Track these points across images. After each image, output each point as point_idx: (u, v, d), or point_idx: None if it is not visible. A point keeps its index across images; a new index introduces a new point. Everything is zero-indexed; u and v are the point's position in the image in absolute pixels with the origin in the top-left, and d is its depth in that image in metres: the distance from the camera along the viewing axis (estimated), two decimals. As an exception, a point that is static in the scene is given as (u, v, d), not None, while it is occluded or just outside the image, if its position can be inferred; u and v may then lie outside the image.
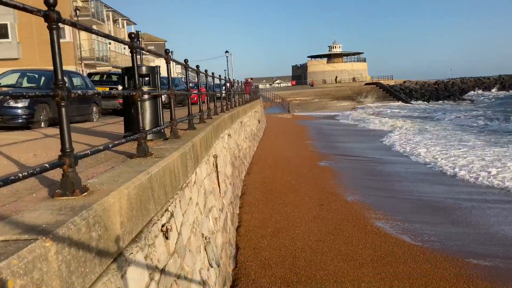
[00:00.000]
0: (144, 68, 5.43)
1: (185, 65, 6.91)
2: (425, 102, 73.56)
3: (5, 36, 25.38)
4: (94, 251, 2.25)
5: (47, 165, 2.30)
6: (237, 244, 8.33)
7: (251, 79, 28.56)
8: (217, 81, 15.85)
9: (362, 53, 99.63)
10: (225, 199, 8.34)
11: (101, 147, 3.01)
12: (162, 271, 3.25)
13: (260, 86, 77.65)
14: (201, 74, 9.63)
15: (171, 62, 5.98)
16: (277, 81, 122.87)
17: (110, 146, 3.17)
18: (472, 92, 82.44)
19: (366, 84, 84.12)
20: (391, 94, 78.52)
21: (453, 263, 8.35)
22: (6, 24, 24.88)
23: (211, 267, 5.12)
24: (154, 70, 5.51)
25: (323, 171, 17.28)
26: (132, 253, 2.75)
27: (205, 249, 5.08)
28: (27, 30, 25.58)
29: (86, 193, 2.62)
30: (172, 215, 3.83)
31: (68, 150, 2.54)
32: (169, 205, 3.84)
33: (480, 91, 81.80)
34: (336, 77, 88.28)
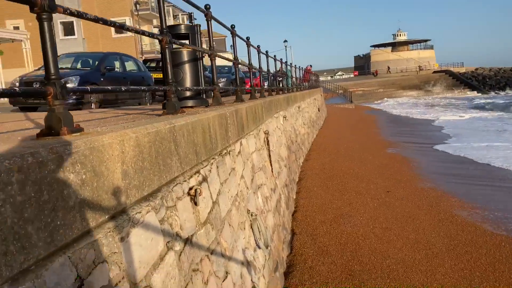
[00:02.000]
0: (182, 27, 4.87)
1: (232, 30, 6.30)
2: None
3: (72, 33, 26.63)
4: (73, 200, 1.66)
5: (17, 89, 1.72)
6: (292, 230, 7.63)
7: (311, 66, 27.53)
8: (273, 67, 15.24)
9: (429, 40, 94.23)
10: (279, 181, 7.66)
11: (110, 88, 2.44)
12: (187, 242, 2.64)
13: (321, 78, 75.77)
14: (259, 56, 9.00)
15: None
16: (339, 73, 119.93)
17: (123, 89, 2.60)
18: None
19: (434, 72, 79.46)
20: (462, 82, 73.51)
21: None
22: (72, 22, 26.05)
23: (259, 248, 4.47)
24: (194, 30, 4.94)
25: (389, 158, 16.08)
26: (140, 213, 2.16)
27: (251, 227, 4.44)
28: (90, 27, 26.59)
29: (78, 133, 2.05)
30: (204, 179, 3.22)
31: (53, 77, 1.97)
32: (201, 168, 3.23)
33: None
34: (388, 67, 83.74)
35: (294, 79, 19.54)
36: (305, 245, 6.92)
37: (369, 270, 6.22)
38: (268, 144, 7.06)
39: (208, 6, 4.87)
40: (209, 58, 5.03)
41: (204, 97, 5.03)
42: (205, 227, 3.02)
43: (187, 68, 4.81)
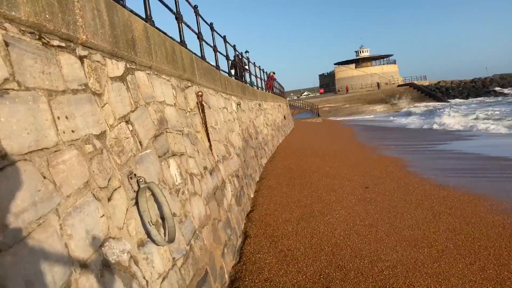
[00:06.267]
0: None
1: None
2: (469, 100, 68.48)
3: None
4: None
5: None
6: (245, 232, 5.53)
7: (274, 73, 25.74)
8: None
9: (392, 55, 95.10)
10: (224, 166, 5.59)
11: None
12: None
13: (288, 98, 74.98)
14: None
15: None
16: (305, 93, 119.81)
17: None
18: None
19: (399, 86, 79.97)
20: (427, 94, 74.07)
21: None
22: None
23: (153, 242, 2.37)
24: None
25: (365, 159, 14.25)
26: None
27: (136, 202, 2.36)
28: None
29: None
30: None
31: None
32: None
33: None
34: (347, 87, 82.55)
35: (256, 78, 17.64)
36: (261, 250, 4.81)
37: (355, 279, 4.16)
38: (203, 111, 5.01)
39: None
40: None
41: None
42: None
43: None
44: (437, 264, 4.81)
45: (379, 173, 11.16)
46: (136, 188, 2.41)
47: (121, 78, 2.74)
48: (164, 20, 5.92)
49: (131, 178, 2.40)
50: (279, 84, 30.09)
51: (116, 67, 2.69)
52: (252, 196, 7.45)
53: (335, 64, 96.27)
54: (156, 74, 3.61)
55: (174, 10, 5.62)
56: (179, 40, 5.71)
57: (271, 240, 5.18)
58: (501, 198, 8.02)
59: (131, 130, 2.69)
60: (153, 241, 2.36)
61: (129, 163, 2.48)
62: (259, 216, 6.22)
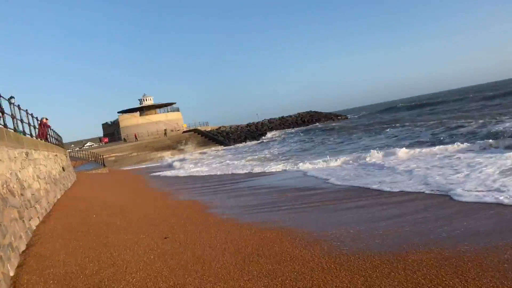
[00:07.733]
0: None
1: None
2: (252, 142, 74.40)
3: None
4: None
5: None
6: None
7: (47, 119, 22.43)
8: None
9: (175, 103, 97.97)
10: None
11: None
12: None
13: (68, 150, 68.85)
14: None
15: None
16: (88, 144, 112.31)
17: None
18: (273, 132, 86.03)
19: (184, 132, 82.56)
20: (210, 139, 78.42)
21: (392, 259, 5.27)
22: None
23: None
24: None
25: (160, 206, 13.08)
26: None
27: None
28: None
29: None
30: None
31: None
32: None
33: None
34: (136, 134, 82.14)
35: (22, 123, 14.67)
36: None
37: None
38: None
39: None
40: None
41: None
42: None
43: None
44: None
45: (177, 220, 10.15)
46: None
47: None
48: None
49: None
50: (56, 132, 26.59)
51: None
52: (12, 274, 5.38)
53: (118, 112, 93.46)
54: None
55: None
56: None
57: None
58: (303, 229, 7.95)
59: None
60: None
61: None
62: (22, 303, 4.34)
